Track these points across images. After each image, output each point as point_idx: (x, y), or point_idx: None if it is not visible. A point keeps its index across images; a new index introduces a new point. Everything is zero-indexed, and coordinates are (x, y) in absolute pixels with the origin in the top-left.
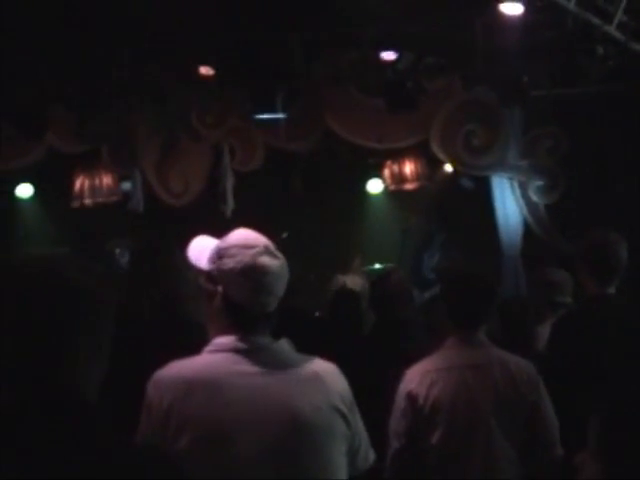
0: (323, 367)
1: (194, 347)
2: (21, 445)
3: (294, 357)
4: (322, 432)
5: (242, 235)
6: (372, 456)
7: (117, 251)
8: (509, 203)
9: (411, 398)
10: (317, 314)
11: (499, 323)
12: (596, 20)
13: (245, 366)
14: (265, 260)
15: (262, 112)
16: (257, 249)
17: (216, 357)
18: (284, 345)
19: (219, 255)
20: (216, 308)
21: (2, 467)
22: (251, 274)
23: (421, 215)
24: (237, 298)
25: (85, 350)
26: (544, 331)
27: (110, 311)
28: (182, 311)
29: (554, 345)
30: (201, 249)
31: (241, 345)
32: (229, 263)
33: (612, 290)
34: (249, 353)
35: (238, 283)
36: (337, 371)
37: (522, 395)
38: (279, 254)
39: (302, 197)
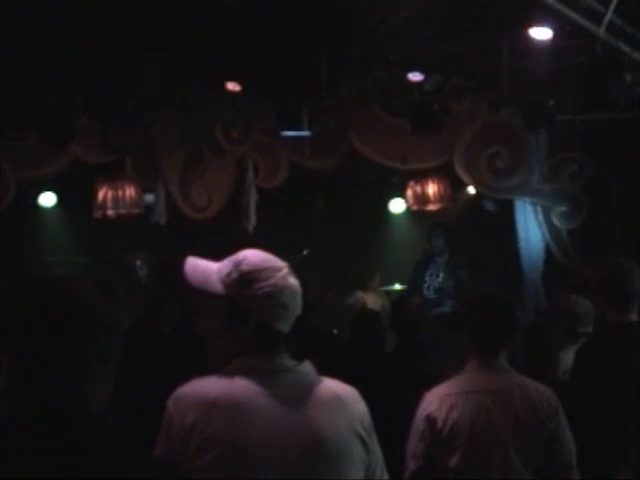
0: (344, 391)
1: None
2: (30, 460)
3: (317, 379)
4: (342, 456)
5: (263, 256)
6: (387, 478)
7: (137, 263)
8: (531, 227)
9: (430, 421)
10: (335, 332)
11: (522, 348)
12: (625, 47)
13: (269, 387)
14: (293, 280)
15: (287, 129)
16: (285, 270)
17: (240, 377)
18: (307, 367)
19: (247, 280)
20: (242, 330)
21: None
22: (285, 295)
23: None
24: (270, 319)
25: (93, 365)
26: (564, 358)
27: (117, 329)
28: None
29: (578, 373)
30: (204, 272)
31: (266, 366)
32: (264, 287)
33: (634, 317)
34: (273, 374)
35: (273, 305)
36: (357, 395)
37: (541, 421)
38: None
39: (324, 215)
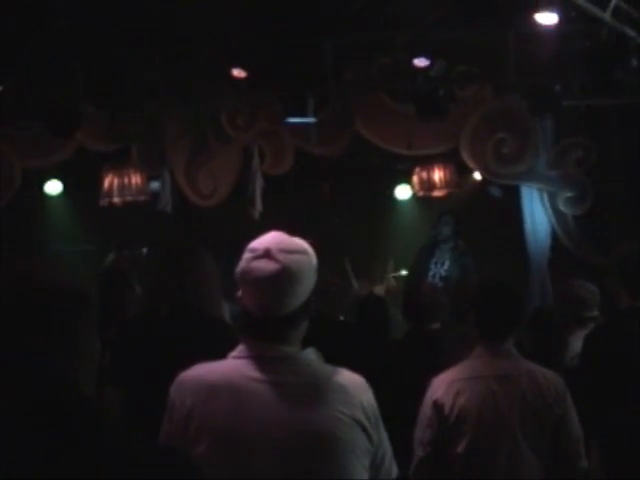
0: (349, 379)
1: (214, 348)
2: (27, 447)
3: (319, 367)
4: (342, 445)
5: (262, 239)
6: (395, 470)
7: (144, 251)
8: (538, 213)
9: (437, 407)
10: (342, 318)
11: (528, 334)
12: (631, 32)
13: (268, 374)
14: (258, 264)
15: (293, 116)
16: (255, 253)
17: (239, 363)
18: (310, 355)
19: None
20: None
21: (4, 468)
22: (246, 279)
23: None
24: (246, 303)
25: (70, 347)
26: (571, 343)
27: (90, 310)
28: (204, 312)
29: (586, 358)
30: None
31: (265, 353)
32: (237, 269)
33: None
34: (273, 361)
35: (242, 289)
36: (363, 383)
37: (549, 407)
38: (283, 257)
39: (330, 202)
